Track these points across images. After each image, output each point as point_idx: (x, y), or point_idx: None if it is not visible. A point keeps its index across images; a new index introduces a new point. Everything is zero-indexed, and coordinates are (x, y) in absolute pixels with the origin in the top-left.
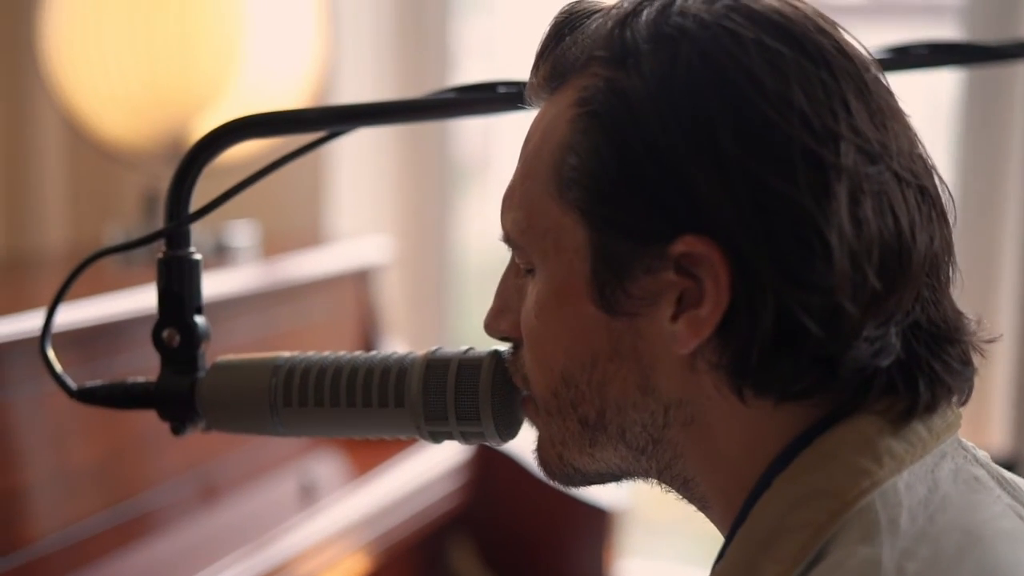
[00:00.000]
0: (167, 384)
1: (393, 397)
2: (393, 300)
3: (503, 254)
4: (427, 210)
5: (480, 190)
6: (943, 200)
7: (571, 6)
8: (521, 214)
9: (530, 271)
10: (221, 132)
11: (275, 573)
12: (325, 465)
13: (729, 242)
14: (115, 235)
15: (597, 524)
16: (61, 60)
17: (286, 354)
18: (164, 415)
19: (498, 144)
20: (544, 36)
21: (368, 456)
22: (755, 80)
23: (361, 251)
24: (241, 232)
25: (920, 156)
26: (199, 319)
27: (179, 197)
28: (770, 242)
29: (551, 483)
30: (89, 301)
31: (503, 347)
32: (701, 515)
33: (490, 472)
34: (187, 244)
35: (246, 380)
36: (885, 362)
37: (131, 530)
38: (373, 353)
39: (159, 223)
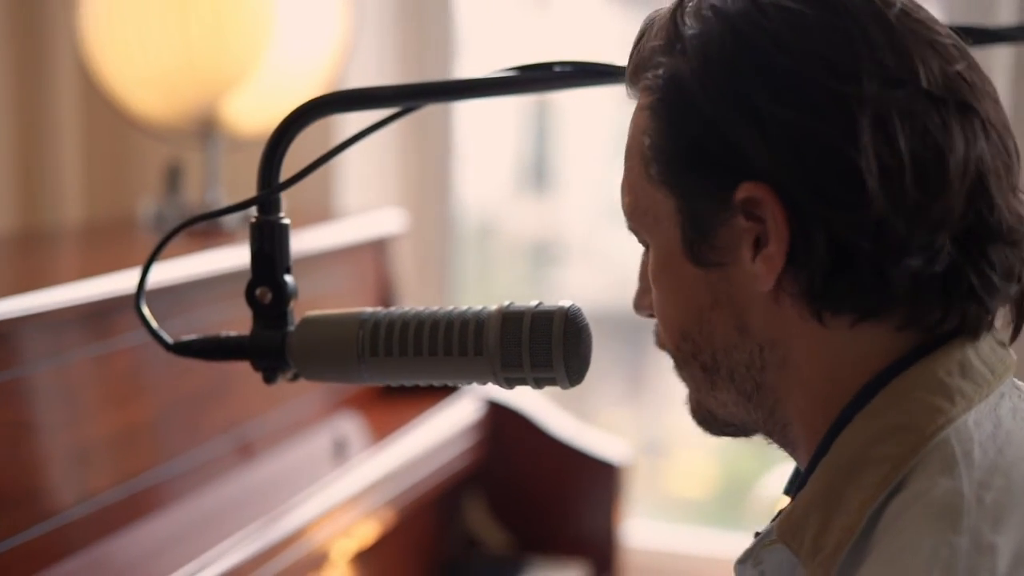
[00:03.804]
0: (260, 337)
1: (473, 347)
2: (403, 268)
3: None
4: (427, 184)
5: (476, 165)
6: (997, 116)
7: (654, 12)
8: (630, 198)
9: (647, 248)
10: (308, 107)
11: (306, 530)
12: (348, 426)
13: (777, 183)
14: (147, 208)
15: (606, 479)
16: (94, 37)
17: (369, 309)
18: (257, 365)
19: (492, 120)
20: (634, 39)
21: (385, 417)
22: (777, 40)
23: (377, 223)
24: None
25: (958, 74)
26: (288, 278)
27: (270, 167)
28: (808, 176)
29: (702, 430)
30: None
31: (568, 302)
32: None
33: (501, 430)
34: (278, 210)
35: (335, 333)
36: (939, 268)
37: (182, 484)
38: (450, 308)
39: (184, 197)
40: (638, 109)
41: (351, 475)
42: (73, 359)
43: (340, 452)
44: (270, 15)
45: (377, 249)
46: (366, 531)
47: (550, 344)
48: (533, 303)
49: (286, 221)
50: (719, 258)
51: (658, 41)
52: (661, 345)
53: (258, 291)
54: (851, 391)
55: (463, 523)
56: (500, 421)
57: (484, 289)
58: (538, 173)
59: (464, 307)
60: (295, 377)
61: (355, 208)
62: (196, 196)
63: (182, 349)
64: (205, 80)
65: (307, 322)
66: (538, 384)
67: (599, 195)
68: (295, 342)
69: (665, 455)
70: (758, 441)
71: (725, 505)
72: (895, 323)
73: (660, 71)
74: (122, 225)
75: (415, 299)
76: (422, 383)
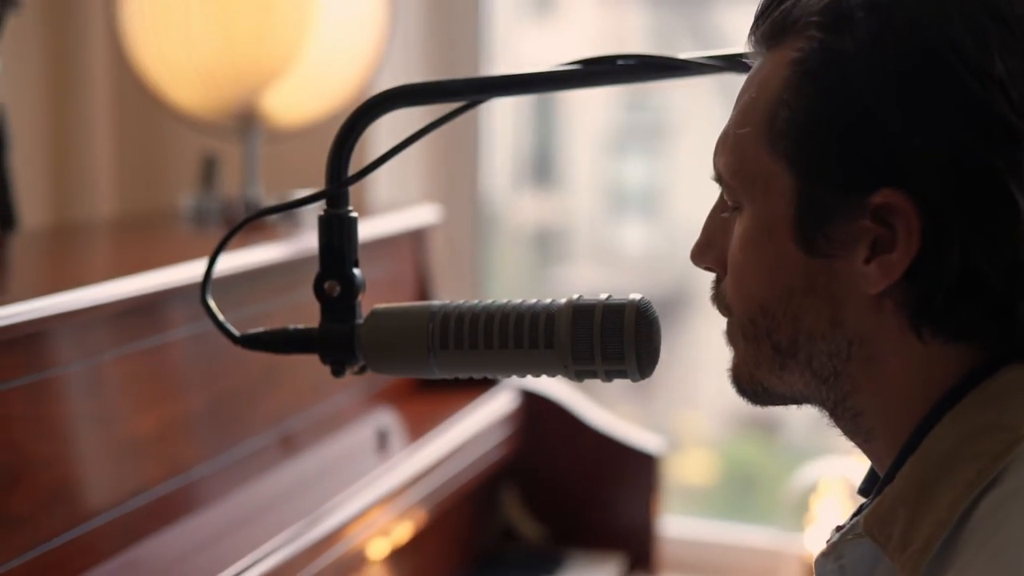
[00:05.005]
0: (328, 330)
1: (543, 340)
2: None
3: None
4: (457, 179)
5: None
6: None
7: None
8: (734, 158)
9: (736, 208)
10: (377, 101)
11: (350, 525)
12: (387, 419)
13: (924, 197)
14: (186, 202)
15: (643, 470)
16: (134, 30)
17: (437, 302)
18: (326, 358)
19: (495, 113)
20: None
21: (422, 409)
22: (959, 50)
23: (414, 216)
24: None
25: None
26: (356, 271)
27: (339, 160)
28: (962, 199)
29: (742, 398)
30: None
31: (638, 295)
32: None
33: (537, 421)
34: (346, 203)
35: (405, 326)
36: None
37: (227, 479)
38: (518, 301)
39: (221, 190)
40: (772, 75)
41: (394, 471)
42: (117, 355)
43: (383, 445)
44: (311, 9)
45: (414, 241)
46: (406, 525)
47: (622, 337)
48: (603, 296)
49: (354, 214)
50: (830, 250)
51: (816, 15)
52: (724, 309)
53: (326, 284)
54: (939, 393)
55: (500, 515)
56: (536, 412)
57: (497, 282)
58: (542, 167)
59: (533, 300)
60: (362, 370)
61: (386, 201)
62: (231, 189)
63: (250, 342)
64: (245, 73)
65: (376, 315)
66: (608, 377)
67: (603, 189)
68: (364, 335)
69: (672, 449)
70: (758, 439)
71: (728, 496)
72: (991, 341)
73: (815, 45)
74: (160, 219)
75: (446, 289)
76: (491, 375)
